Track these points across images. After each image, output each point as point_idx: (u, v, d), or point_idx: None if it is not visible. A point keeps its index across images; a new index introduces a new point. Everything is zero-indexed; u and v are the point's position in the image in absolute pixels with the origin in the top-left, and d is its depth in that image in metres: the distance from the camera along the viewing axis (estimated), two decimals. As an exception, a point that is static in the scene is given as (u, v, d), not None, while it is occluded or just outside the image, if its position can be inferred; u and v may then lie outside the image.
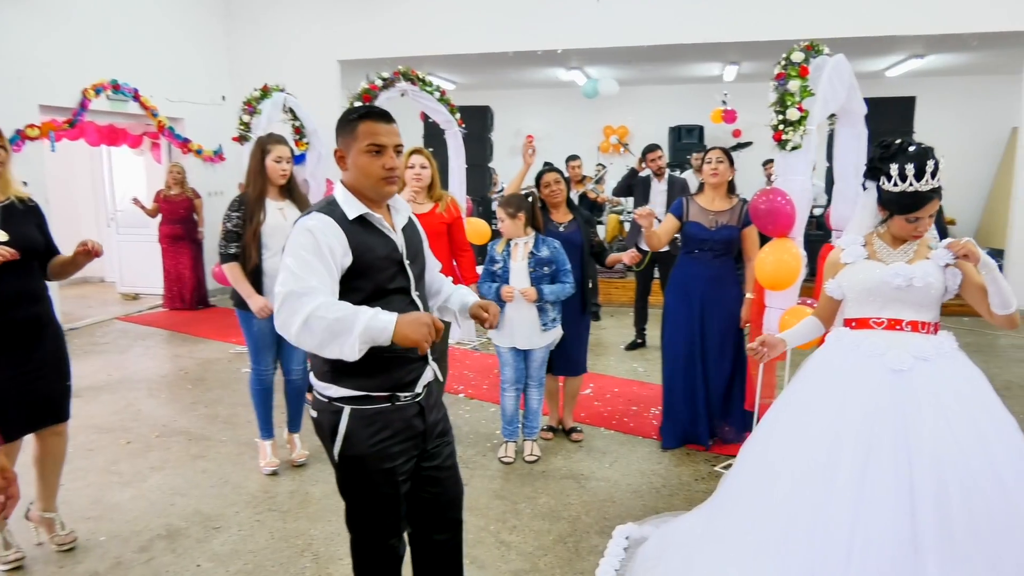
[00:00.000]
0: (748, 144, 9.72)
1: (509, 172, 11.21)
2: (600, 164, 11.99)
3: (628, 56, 9.59)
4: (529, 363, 4.02)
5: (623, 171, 9.03)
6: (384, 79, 5.82)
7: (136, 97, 8.07)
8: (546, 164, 9.33)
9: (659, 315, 6.56)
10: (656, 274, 6.53)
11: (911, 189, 2.35)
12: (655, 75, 11.43)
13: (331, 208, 1.90)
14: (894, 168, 2.36)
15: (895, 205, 2.42)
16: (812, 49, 3.96)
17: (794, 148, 3.83)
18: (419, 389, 2.02)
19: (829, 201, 4.38)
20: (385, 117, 1.93)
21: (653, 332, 6.70)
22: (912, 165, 2.33)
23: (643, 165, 6.98)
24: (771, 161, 9.78)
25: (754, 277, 4.05)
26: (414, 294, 2.02)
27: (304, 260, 1.80)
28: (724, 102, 10.15)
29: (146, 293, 9.10)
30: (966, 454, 2.21)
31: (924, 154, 2.35)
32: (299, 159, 6.98)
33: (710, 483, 3.77)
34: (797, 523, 2.29)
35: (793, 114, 3.81)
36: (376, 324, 1.73)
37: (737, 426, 4.23)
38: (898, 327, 2.43)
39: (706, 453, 4.18)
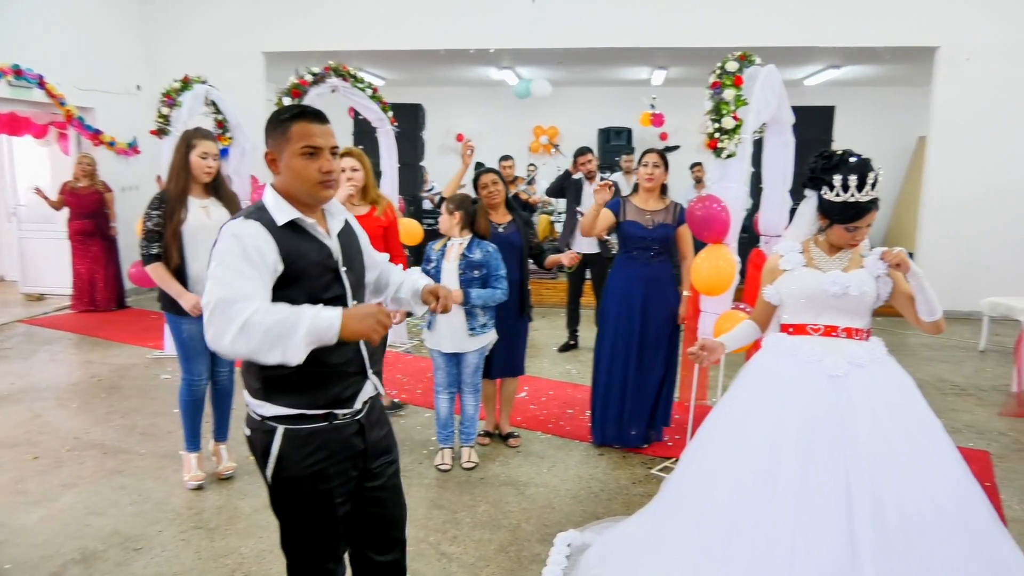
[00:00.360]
0: (676, 148, 9.95)
1: (441, 171, 11.14)
2: (532, 164, 12.03)
3: (559, 57, 9.64)
4: (462, 368, 3.96)
5: (554, 172, 9.09)
6: (314, 74, 5.63)
7: (41, 84, 7.54)
8: (478, 164, 9.27)
9: (591, 316, 6.70)
10: (588, 275, 6.57)
11: (852, 200, 2.41)
12: (585, 77, 11.54)
13: (259, 213, 1.80)
14: (837, 179, 2.42)
15: (836, 215, 2.47)
16: (745, 59, 4.05)
17: (729, 156, 3.91)
18: (358, 406, 1.92)
19: (755, 207, 4.49)
20: (320, 117, 1.84)
21: (586, 334, 6.78)
22: (854, 176, 2.39)
23: (575, 168, 7.02)
24: (699, 164, 10.05)
25: (690, 275, 4.14)
26: (351, 303, 1.90)
27: (232, 266, 1.69)
28: (652, 106, 10.34)
29: (52, 293, 8.53)
30: (899, 459, 2.29)
31: (865, 166, 2.42)
32: (222, 153, 6.70)
33: (647, 486, 3.81)
34: (740, 528, 2.32)
35: (728, 123, 3.89)
36: (320, 323, 1.64)
37: (665, 424, 4.33)
38: (834, 333, 2.50)
39: (642, 456, 4.22)
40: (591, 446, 4.36)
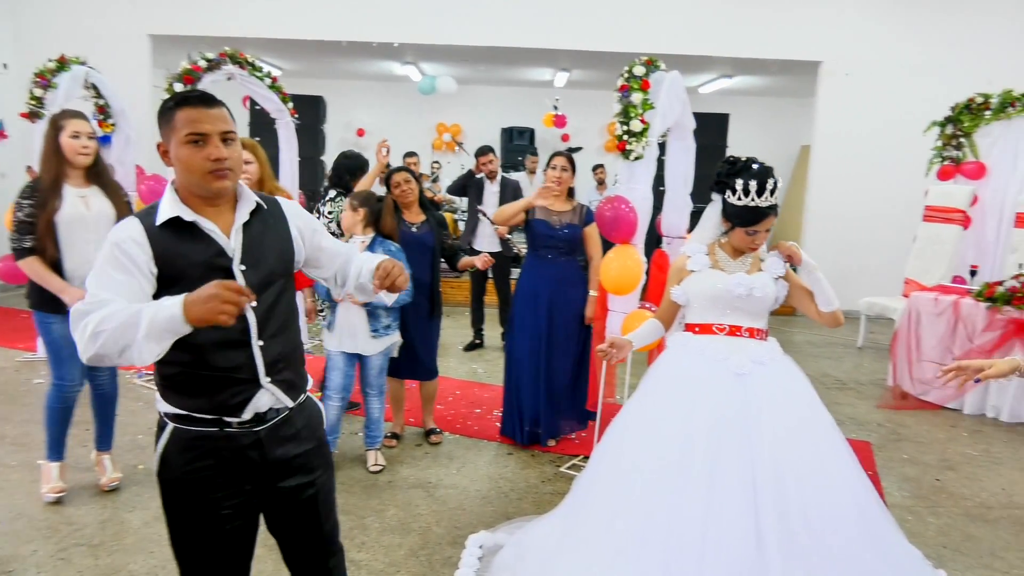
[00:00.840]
0: (578, 149, 10.10)
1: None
2: (436, 162, 11.92)
3: (464, 55, 9.59)
4: (366, 370, 3.85)
5: (458, 170, 9.03)
6: (209, 60, 5.33)
7: None
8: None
9: (495, 315, 6.70)
10: (490, 274, 6.57)
11: (752, 204, 2.50)
12: (490, 76, 11.54)
13: (145, 213, 1.70)
14: (739, 183, 2.50)
15: (737, 218, 2.56)
16: (652, 64, 4.14)
17: (637, 158, 3.99)
18: (247, 416, 1.73)
19: (657, 209, 4.61)
20: (206, 101, 1.69)
21: (491, 332, 6.78)
22: (755, 182, 2.48)
23: (477, 168, 7.01)
24: (601, 166, 10.25)
25: (598, 275, 4.20)
26: (248, 306, 1.67)
27: (100, 274, 1.61)
28: (555, 107, 10.47)
29: (-98, 290, 7.72)
30: (800, 453, 2.40)
31: (766, 173, 2.52)
32: (104, 140, 6.25)
33: (557, 484, 3.83)
34: (653, 524, 2.36)
35: (636, 125, 3.96)
36: (161, 316, 1.48)
37: (578, 422, 4.37)
38: (738, 333, 2.59)
39: (550, 454, 4.24)
40: (500, 446, 4.35)
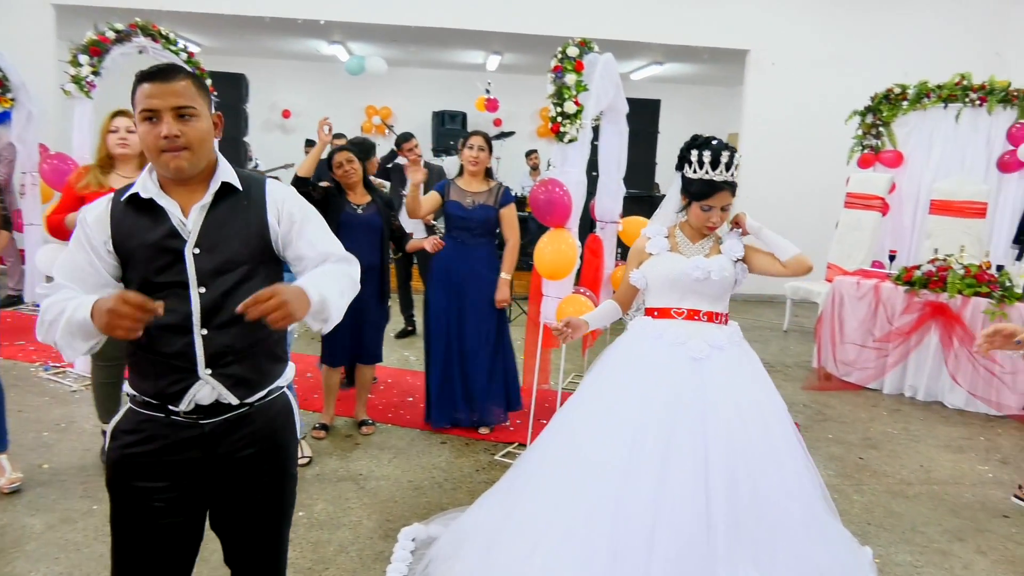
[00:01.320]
0: (511, 134, 10.00)
1: (265, 148, 10.44)
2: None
3: (393, 35, 9.35)
4: None
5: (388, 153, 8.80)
6: (117, 31, 4.99)
7: None
8: (308, 141, 8.78)
9: (423, 301, 6.56)
10: (415, 260, 6.44)
11: (707, 177, 2.49)
12: (420, 58, 11.32)
13: (123, 188, 1.68)
14: (695, 155, 2.50)
15: (692, 192, 2.54)
16: (585, 45, 4.08)
17: (571, 140, 3.93)
18: (185, 406, 1.63)
19: (591, 193, 4.58)
20: (164, 74, 1.60)
21: (421, 319, 6.64)
22: (709, 153, 2.47)
23: (400, 154, 6.85)
24: (535, 151, 10.19)
25: (513, 258, 4.17)
26: (196, 291, 1.62)
27: (68, 253, 1.65)
28: (487, 91, 10.34)
29: None
30: (752, 438, 2.40)
31: (722, 147, 2.51)
32: (3, 117, 5.82)
33: (491, 473, 3.76)
34: (602, 505, 2.32)
35: (570, 107, 3.90)
36: (76, 317, 1.51)
37: (502, 407, 4.31)
38: (696, 317, 2.56)
39: (485, 443, 4.17)
40: (432, 435, 4.25)
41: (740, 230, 2.65)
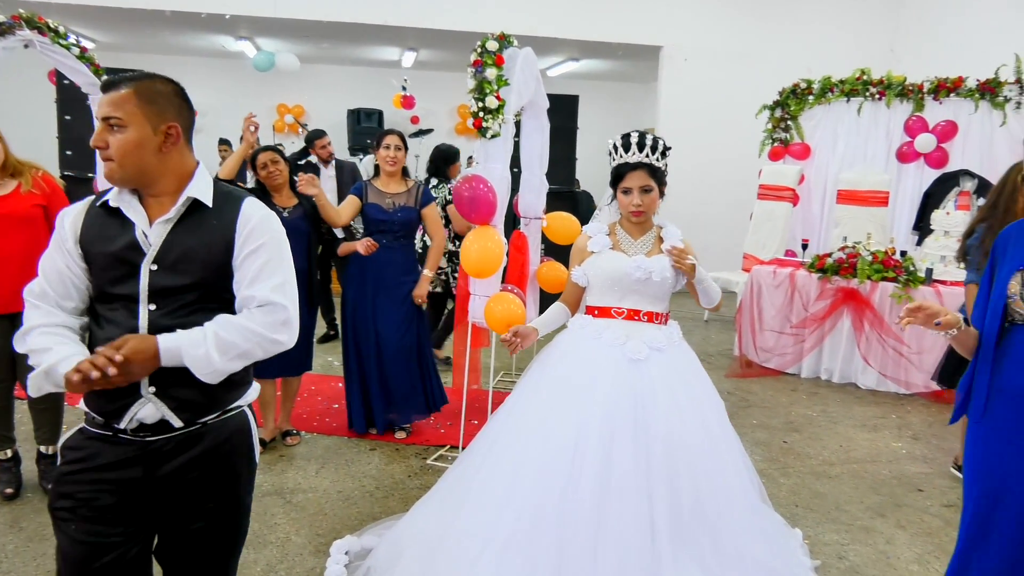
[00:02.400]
0: (429, 131, 9.88)
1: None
2: (280, 144, 11.24)
3: (304, 31, 9.06)
4: None
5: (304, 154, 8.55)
6: (-1, 24, 4.62)
7: None
8: (222, 140, 8.40)
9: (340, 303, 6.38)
10: (333, 262, 6.26)
11: (621, 160, 2.51)
12: (334, 54, 11.03)
13: (101, 193, 1.68)
14: (611, 144, 2.55)
15: (612, 179, 2.56)
16: (504, 39, 4.03)
17: (494, 136, 3.87)
18: (125, 424, 1.59)
19: (514, 189, 4.54)
20: (113, 84, 1.59)
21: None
22: (621, 139, 2.51)
23: (311, 152, 6.66)
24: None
25: (437, 256, 4.12)
26: (146, 307, 1.58)
27: (47, 256, 1.64)
28: (404, 87, 10.17)
29: None
30: (692, 438, 2.40)
31: (637, 133, 2.52)
32: None
33: (424, 478, 3.66)
34: (546, 513, 2.28)
35: (492, 102, 3.83)
36: (60, 370, 1.50)
37: (423, 409, 4.22)
38: (636, 317, 2.54)
39: (415, 447, 4.07)
40: (361, 442, 4.12)
41: (676, 232, 2.64)
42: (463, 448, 3.83)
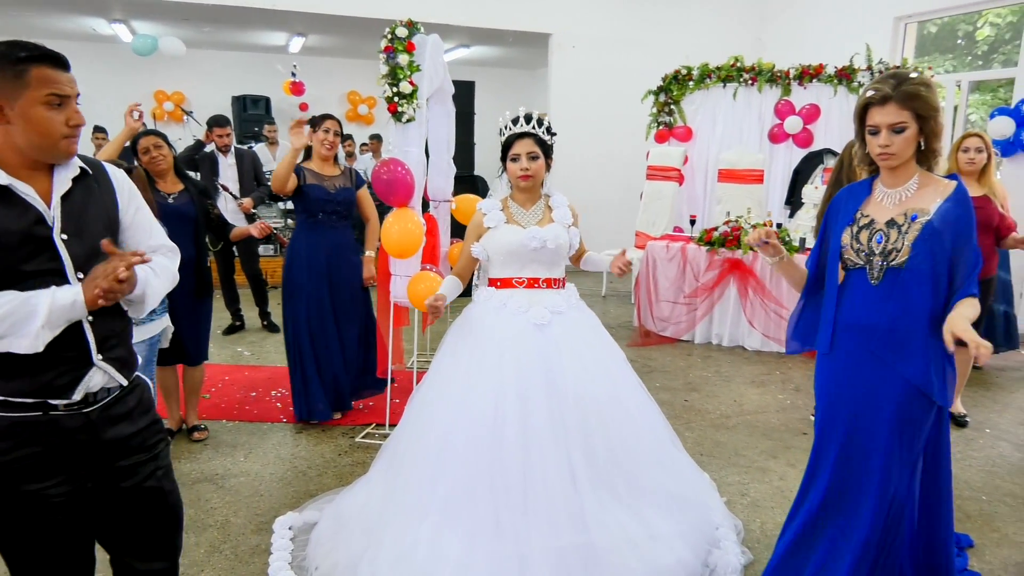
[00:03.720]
0: (323, 118, 9.72)
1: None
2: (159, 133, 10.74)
3: (183, 13, 8.70)
4: None
5: (189, 142, 8.30)
6: None
7: None
8: (97, 127, 7.99)
9: (248, 295, 6.29)
10: (236, 252, 6.16)
11: (508, 133, 2.72)
12: (217, 39, 10.62)
13: None
14: (501, 122, 2.76)
15: (502, 151, 2.76)
16: (413, 26, 4.13)
17: (409, 120, 3.98)
18: (78, 396, 1.62)
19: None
20: (64, 63, 1.60)
21: (249, 313, 6.36)
22: (511, 116, 2.74)
23: (208, 139, 6.49)
24: (349, 138, 9.99)
25: (375, 236, 4.22)
26: (75, 276, 1.60)
27: None
28: (294, 73, 9.97)
29: None
30: (599, 389, 2.63)
31: (524, 110, 2.75)
32: None
33: (355, 455, 3.76)
34: (477, 480, 2.44)
35: (405, 87, 3.94)
36: (63, 301, 1.53)
37: (373, 388, 4.32)
38: (536, 285, 2.73)
39: (342, 427, 4.14)
40: (286, 425, 4.15)
41: (563, 200, 2.86)
42: (390, 425, 3.94)
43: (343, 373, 4.16)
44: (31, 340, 1.51)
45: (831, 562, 2.23)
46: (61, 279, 1.58)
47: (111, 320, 1.68)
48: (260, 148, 9.02)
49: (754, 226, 5.89)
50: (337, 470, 3.60)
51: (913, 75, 2.06)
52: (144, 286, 1.68)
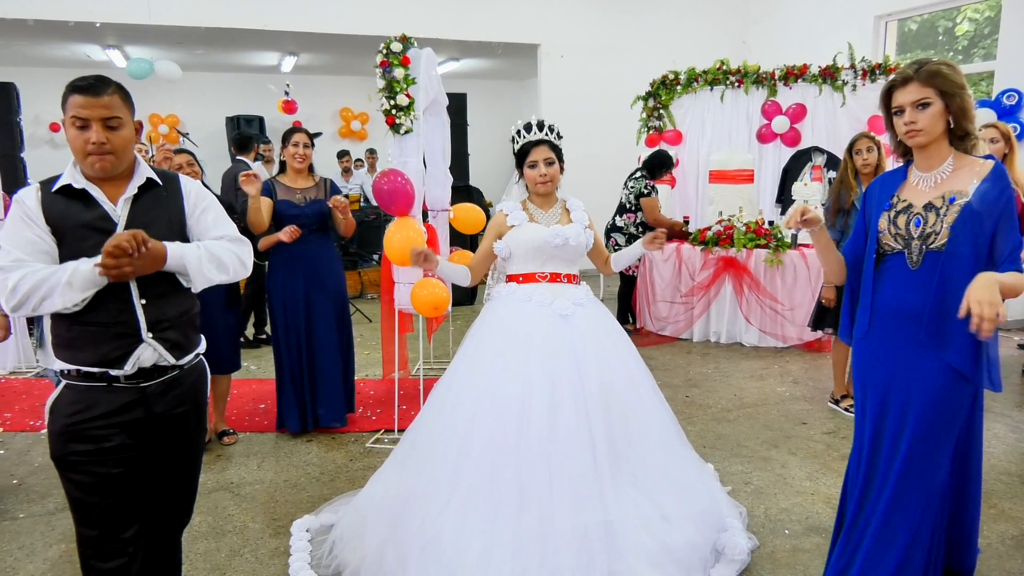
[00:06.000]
0: (318, 134, 9.82)
1: (35, 165, 9.35)
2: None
3: (176, 37, 8.84)
4: None
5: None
6: None
7: None
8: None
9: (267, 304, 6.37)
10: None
11: (523, 141, 2.86)
12: (209, 61, 10.75)
13: (47, 180, 1.93)
14: (514, 131, 2.88)
15: (519, 159, 2.88)
16: (407, 40, 4.24)
17: (407, 132, 4.09)
18: (129, 368, 1.89)
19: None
20: (95, 89, 1.84)
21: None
22: (523, 125, 2.87)
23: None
24: (346, 153, 10.11)
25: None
26: None
27: (11, 230, 1.85)
28: (287, 92, 10.09)
29: None
30: (618, 378, 2.75)
31: (536, 118, 2.89)
32: None
33: (367, 460, 3.84)
34: (504, 455, 2.54)
35: (402, 100, 4.05)
36: (83, 269, 1.79)
37: (349, 409, 4.36)
38: (558, 280, 2.85)
39: (352, 434, 4.22)
40: (297, 435, 4.22)
41: (579, 204, 2.98)
42: (399, 431, 4.03)
43: (326, 385, 4.19)
44: (61, 298, 1.78)
45: (875, 546, 2.22)
46: None
47: (167, 305, 1.94)
48: (257, 167, 9.12)
49: (747, 225, 6.00)
50: (349, 475, 3.68)
51: (935, 59, 2.11)
52: (180, 259, 1.90)
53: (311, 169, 4.23)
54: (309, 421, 4.21)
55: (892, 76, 2.16)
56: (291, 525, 3.11)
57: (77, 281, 1.79)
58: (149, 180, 1.97)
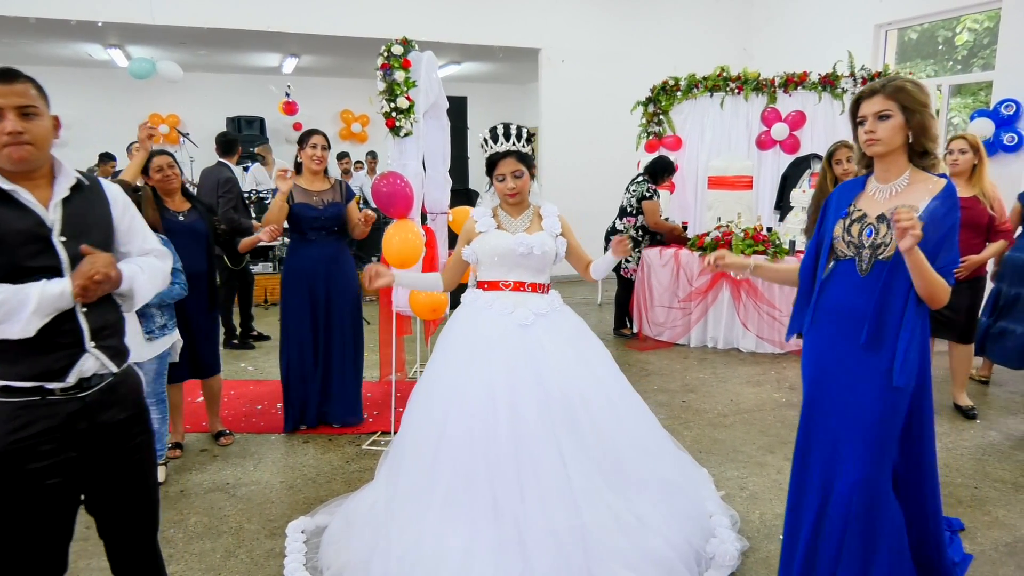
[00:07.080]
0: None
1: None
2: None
3: (178, 38, 8.85)
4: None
5: (185, 163, 8.42)
6: None
7: None
8: (103, 156, 8.11)
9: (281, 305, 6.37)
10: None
11: (491, 151, 2.81)
12: (211, 62, 10.77)
13: None
14: (481, 138, 2.83)
15: (487, 168, 2.85)
16: (408, 44, 4.26)
17: (407, 134, 4.10)
18: (71, 380, 1.78)
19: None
20: (5, 76, 1.74)
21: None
22: (490, 132, 2.81)
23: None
24: (346, 155, 10.13)
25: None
26: (69, 274, 1.77)
27: None
28: (288, 94, 10.11)
29: None
30: (582, 381, 2.73)
31: (502, 125, 2.83)
32: None
33: (362, 462, 3.85)
34: (474, 463, 2.55)
35: (403, 102, 4.07)
36: (51, 292, 1.70)
37: (352, 415, 4.37)
38: (522, 288, 2.83)
39: (348, 435, 4.23)
40: (292, 436, 4.23)
41: (553, 210, 2.96)
42: (395, 433, 4.03)
43: (339, 386, 4.24)
44: (22, 325, 1.67)
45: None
46: (58, 276, 1.75)
47: (105, 312, 1.86)
48: (256, 168, 9.15)
49: (745, 231, 6.02)
50: (345, 476, 3.69)
51: (906, 76, 2.20)
52: (131, 283, 1.86)
53: (325, 171, 4.24)
54: (313, 418, 4.26)
55: (861, 89, 2.24)
56: (286, 526, 3.11)
57: (46, 307, 1.69)
58: (79, 181, 1.85)
